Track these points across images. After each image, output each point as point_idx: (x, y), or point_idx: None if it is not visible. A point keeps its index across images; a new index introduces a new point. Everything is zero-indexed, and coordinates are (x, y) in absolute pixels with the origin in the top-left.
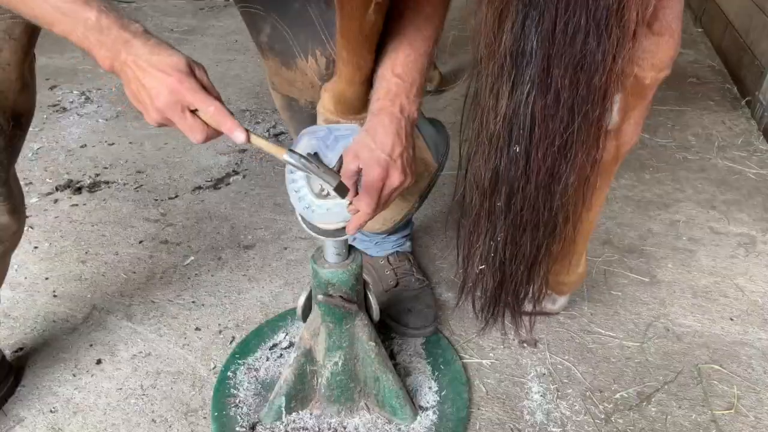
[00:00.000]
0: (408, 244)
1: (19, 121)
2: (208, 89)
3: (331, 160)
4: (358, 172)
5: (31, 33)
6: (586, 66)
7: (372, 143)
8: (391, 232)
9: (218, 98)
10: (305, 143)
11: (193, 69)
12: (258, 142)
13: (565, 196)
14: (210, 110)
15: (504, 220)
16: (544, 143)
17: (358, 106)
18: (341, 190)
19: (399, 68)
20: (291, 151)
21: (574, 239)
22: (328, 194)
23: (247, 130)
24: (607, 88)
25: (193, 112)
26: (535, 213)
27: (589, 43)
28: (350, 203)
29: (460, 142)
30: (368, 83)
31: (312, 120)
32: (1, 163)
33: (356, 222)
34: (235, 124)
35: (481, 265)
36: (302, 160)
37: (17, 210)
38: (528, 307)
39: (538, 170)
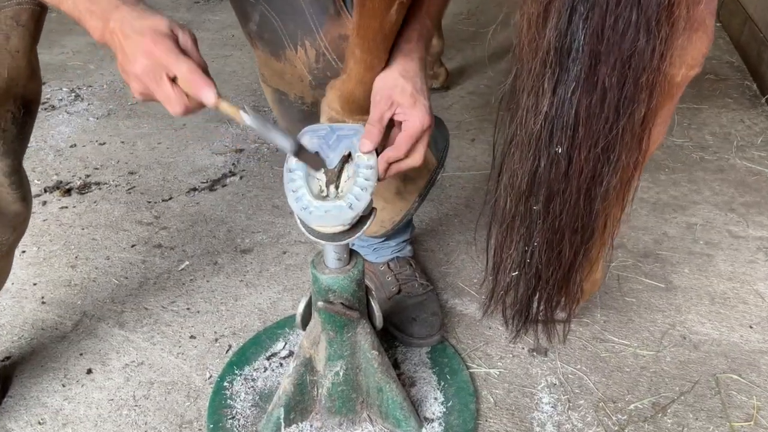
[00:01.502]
0: (409, 248)
1: (29, 108)
2: (189, 53)
3: (332, 160)
4: (390, 120)
5: (38, 18)
6: (634, 64)
7: (412, 88)
8: (389, 236)
9: (201, 64)
10: (306, 142)
11: (175, 33)
12: (223, 107)
13: (606, 199)
14: (182, 69)
15: (542, 224)
16: (587, 144)
17: (365, 106)
18: (311, 161)
19: (433, 11)
20: (245, 109)
21: (612, 244)
22: (327, 195)
23: (219, 95)
24: (654, 87)
25: (174, 80)
26: (575, 217)
27: (639, 40)
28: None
29: (494, 143)
30: None
31: (303, 116)
32: (14, 151)
33: (393, 169)
34: (207, 83)
35: (515, 272)
36: (258, 119)
37: (26, 198)
38: (560, 315)
39: (580, 172)
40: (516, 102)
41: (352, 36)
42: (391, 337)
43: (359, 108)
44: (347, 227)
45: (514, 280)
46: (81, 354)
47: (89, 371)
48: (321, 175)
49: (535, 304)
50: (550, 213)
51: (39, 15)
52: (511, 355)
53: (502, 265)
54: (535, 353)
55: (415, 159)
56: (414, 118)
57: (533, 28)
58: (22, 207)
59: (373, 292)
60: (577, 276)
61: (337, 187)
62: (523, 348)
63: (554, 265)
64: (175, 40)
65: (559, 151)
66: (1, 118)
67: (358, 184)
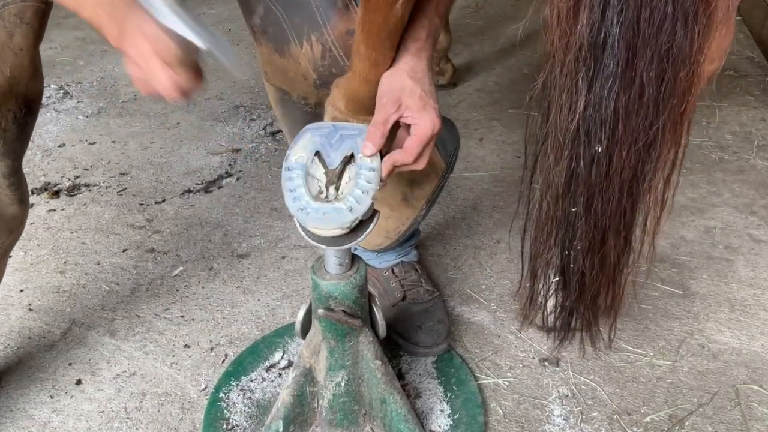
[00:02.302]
0: (414, 253)
1: (31, 108)
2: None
3: (334, 160)
4: (396, 122)
5: (42, 16)
6: (672, 58)
7: (420, 90)
8: (395, 246)
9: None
10: (307, 140)
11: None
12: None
13: (648, 197)
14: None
15: (584, 226)
16: (627, 141)
17: (371, 106)
18: (232, 61)
19: (442, 9)
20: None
21: (653, 244)
22: (327, 197)
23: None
24: (693, 81)
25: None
26: (618, 217)
27: (676, 33)
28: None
29: (525, 144)
30: None
31: (306, 118)
32: (14, 151)
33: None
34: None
35: (556, 277)
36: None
37: (24, 200)
38: (604, 320)
39: (622, 170)
40: (548, 101)
41: (357, 32)
42: (396, 346)
43: (364, 107)
44: (346, 231)
45: (555, 285)
46: (70, 364)
47: (79, 382)
48: (321, 176)
49: (579, 310)
50: (591, 214)
51: (43, 12)
52: (521, 365)
53: (540, 271)
54: (546, 363)
55: (420, 164)
56: (424, 122)
57: (563, 22)
58: (20, 209)
59: (377, 299)
60: (621, 278)
61: (337, 189)
62: (534, 357)
63: (598, 268)
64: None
65: (599, 150)
66: (2, 118)
67: (359, 187)
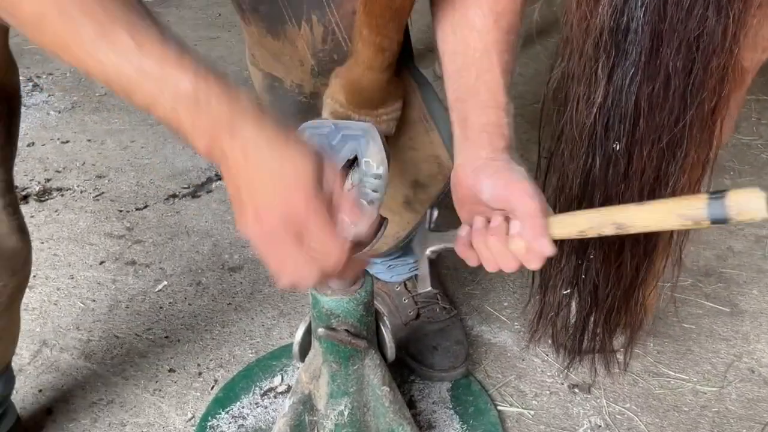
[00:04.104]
0: None
1: (12, 105)
2: (336, 198)
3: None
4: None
5: None
6: (703, 46)
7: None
8: (405, 251)
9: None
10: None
11: (321, 176)
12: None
13: None
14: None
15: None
16: (649, 139)
17: (376, 98)
18: None
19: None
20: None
21: (680, 256)
22: None
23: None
24: (725, 73)
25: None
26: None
27: (707, 19)
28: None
29: (539, 139)
30: (391, 70)
31: (298, 108)
32: (4, 162)
33: None
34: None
35: (566, 290)
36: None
37: (24, 230)
38: (619, 340)
39: (642, 171)
40: (565, 91)
41: (359, 13)
42: (407, 369)
43: (367, 100)
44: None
45: (565, 299)
46: (40, 390)
47: (49, 411)
48: None
49: (590, 327)
50: None
51: None
52: (548, 392)
53: (551, 283)
54: (576, 389)
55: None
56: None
57: (583, 5)
58: (21, 242)
59: (385, 317)
60: (639, 293)
61: None
62: (563, 383)
63: (613, 281)
64: (321, 184)
65: (617, 147)
66: None
67: (364, 196)
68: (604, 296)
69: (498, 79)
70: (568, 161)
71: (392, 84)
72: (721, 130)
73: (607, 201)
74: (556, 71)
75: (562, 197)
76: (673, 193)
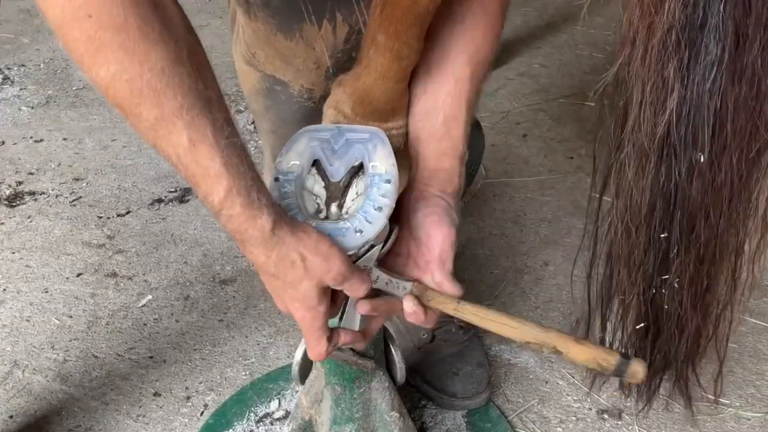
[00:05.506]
0: None
1: None
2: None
3: (337, 170)
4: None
5: None
6: None
7: None
8: None
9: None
10: (303, 145)
11: (328, 279)
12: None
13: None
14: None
15: (682, 257)
16: (737, 148)
17: (386, 110)
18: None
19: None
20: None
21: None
22: (327, 217)
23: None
24: None
25: None
26: (723, 244)
27: None
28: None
29: (594, 152)
30: (406, 80)
31: (304, 115)
32: None
33: None
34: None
35: (640, 324)
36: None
37: None
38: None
39: (732, 183)
40: (624, 98)
41: (374, 16)
42: (419, 394)
43: (376, 111)
44: (353, 257)
45: (637, 335)
46: (11, 416)
47: None
48: (320, 191)
49: (676, 358)
50: (692, 242)
51: None
52: (574, 418)
53: (619, 317)
54: (605, 415)
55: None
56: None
57: (646, 1)
58: None
59: (393, 335)
60: (726, 316)
61: (341, 207)
62: (590, 408)
63: (701, 308)
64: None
65: (702, 159)
66: None
67: (373, 201)
68: (688, 326)
69: (462, 129)
70: (633, 178)
71: (405, 96)
72: None
73: (690, 221)
74: (609, 74)
75: (630, 218)
76: (756, 205)
